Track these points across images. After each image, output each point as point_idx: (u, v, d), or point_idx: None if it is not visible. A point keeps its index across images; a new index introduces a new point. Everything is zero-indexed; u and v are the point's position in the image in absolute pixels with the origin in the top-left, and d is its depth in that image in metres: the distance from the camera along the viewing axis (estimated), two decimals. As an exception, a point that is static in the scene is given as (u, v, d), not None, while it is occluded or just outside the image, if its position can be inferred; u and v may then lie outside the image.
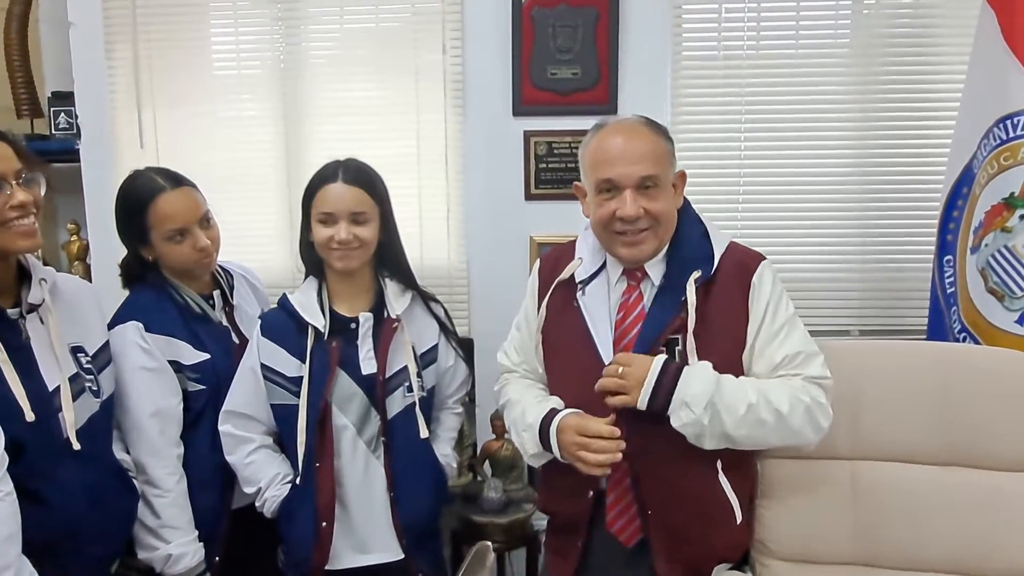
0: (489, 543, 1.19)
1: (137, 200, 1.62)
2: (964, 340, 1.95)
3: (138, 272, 1.70)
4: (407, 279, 1.71)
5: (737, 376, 1.41)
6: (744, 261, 1.47)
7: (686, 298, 1.40)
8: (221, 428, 1.64)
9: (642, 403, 1.34)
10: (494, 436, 2.24)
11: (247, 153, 2.41)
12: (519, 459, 2.18)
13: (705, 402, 1.32)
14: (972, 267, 1.93)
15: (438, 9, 2.32)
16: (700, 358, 1.39)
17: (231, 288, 1.79)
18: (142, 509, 1.60)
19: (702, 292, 1.42)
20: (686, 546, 1.47)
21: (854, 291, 2.37)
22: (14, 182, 1.34)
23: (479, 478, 2.27)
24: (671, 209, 1.46)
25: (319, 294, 1.65)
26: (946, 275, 2.04)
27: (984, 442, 1.62)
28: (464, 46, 2.33)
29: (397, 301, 1.67)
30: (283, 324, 1.64)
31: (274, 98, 2.41)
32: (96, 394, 1.49)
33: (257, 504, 1.65)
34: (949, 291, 2.02)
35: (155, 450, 1.60)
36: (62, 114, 2.43)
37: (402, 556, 1.66)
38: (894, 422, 1.65)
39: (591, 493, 1.50)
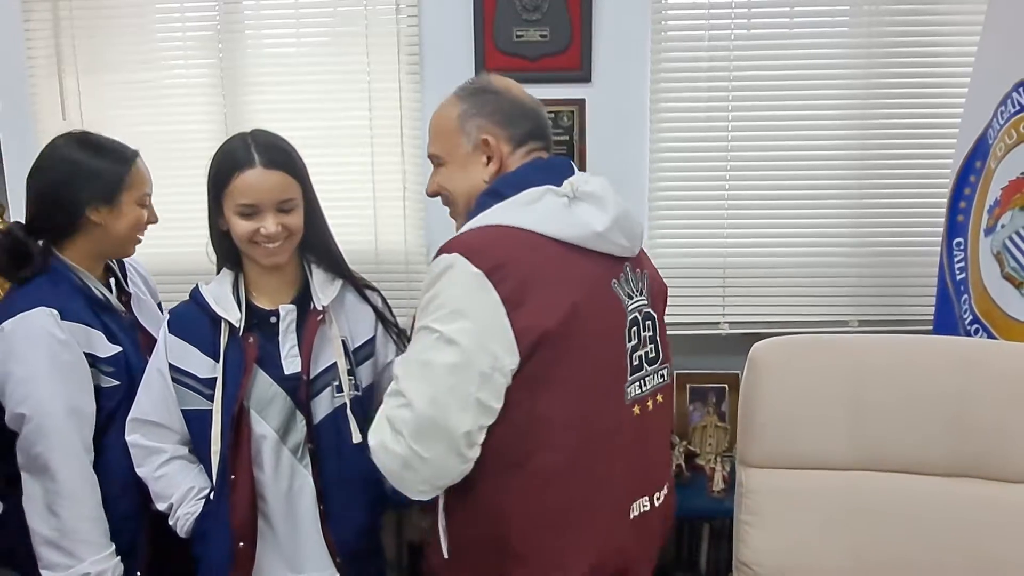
0: None
1: (120, 157, 1.54)
2: (976, 333, 1.84)
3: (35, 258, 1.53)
4: (336, 266, 1.55)
5: None
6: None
7: None
8: (128, 438, 1.50)
9: None
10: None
11: (181, 125, 2.26)
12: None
13: None
14: (986, 251, 1.81)
15: (389, -37, 2.18)
16: None
17: (124, 275, 1.66)
18: (46, 525, 1.45)
19: None
20: None
21: (852, 278, 2.26)
22: None
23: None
24: (457, 174, 1.33)
25: (234, 285, 1.50)
26: (956, 260, 1.92)
27: (1001, 451, 1.49)
28: (420, 4, 2.19)
29: (324, 291, 1.51)
30: (194, 319, 1.48)
31: (210, 64, 2.26)
32: None
33: (170, 522, 1.49)
34: (959, 278, 1.90)
35: (68, 453, 1.46)
36: (-28, 82, 2.27)
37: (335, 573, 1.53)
38: (899, 428, 1.53)
39: None
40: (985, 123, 1.83)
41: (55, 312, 1.45)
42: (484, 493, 1.16)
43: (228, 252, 1.51)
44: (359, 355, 1.56)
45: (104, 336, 1.52)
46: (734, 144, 2.24)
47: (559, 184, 1.20)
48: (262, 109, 2.26)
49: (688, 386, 2.34)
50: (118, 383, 1.52)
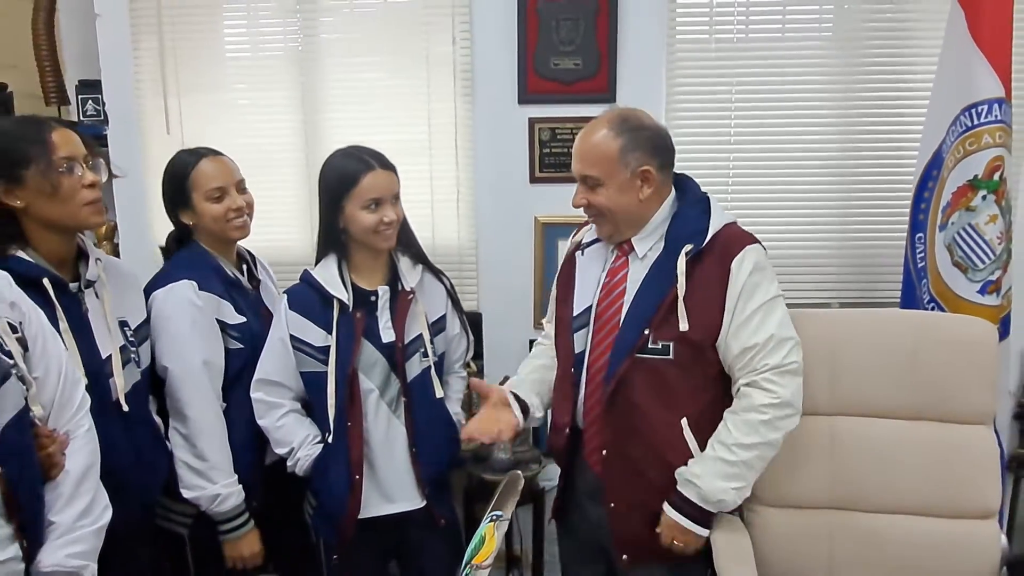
0: (519, 472, 1.36)
1: (182, 167, 1.78)
2: (932, 309, 2.12)
3: (178, 245, 1.85)
4: (418, 254, 1.85)
5: (713, 346, 1.58)
6: (729, 244, 1.57)
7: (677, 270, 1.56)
8: (253, 395, 1.78)
9: (700, 540, 1.61)
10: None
11: (267, 139, 2.53)
12: (515, 482, 2.36)
13: (726, 497, 1.57)
14: (940, 243, 2.09)
15: (448, 1, 2.44)
16: (689, 322, 1.55)
17: (255, 265, 1.93)
18: (188, 453, 1.72)
19: (693, 265, 1.56)
20: (638, 481, 1.63)
21: (834, 266, 2.53)
22: (84, 165, 1.50)
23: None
24: (619, 199, 1.58)
25: (339, 270, 1.77)
26: (917, 251, 2.20)
27: (948, 399, 1.77)
28: (473, 37, 2.45)
29: (410, 274, 1.81)
30: (308, 298, 1.76)
31: (292, 86, 2.52)
32: (138, 364, 1.65)
33: (289, 464, 1.78)
34: (920, 265, 2.18)
35: (203, 397, 1.73)
36: (89, 101, 2.55)
37: (423, 504, 1.82)
38: (868, 382, 1.80)
39: (567, 429, 1.72)
40: (940, 139, 2.10)
41: (194, 283, 1.72)
42: None
43: (336, 243, 1.77)
44: (435, 328, 1.85)
45: (232, 308, 1.78)
46: (735, 150, 2.50)
47: None
48: (336, 125, 2.53)
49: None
50: (242, 347, 1.79)
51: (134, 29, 2.48)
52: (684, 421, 1.59)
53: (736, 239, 1.58)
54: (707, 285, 1.55)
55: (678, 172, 1.68)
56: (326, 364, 1.75)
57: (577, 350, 1.69)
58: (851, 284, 2.53)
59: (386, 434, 1.80)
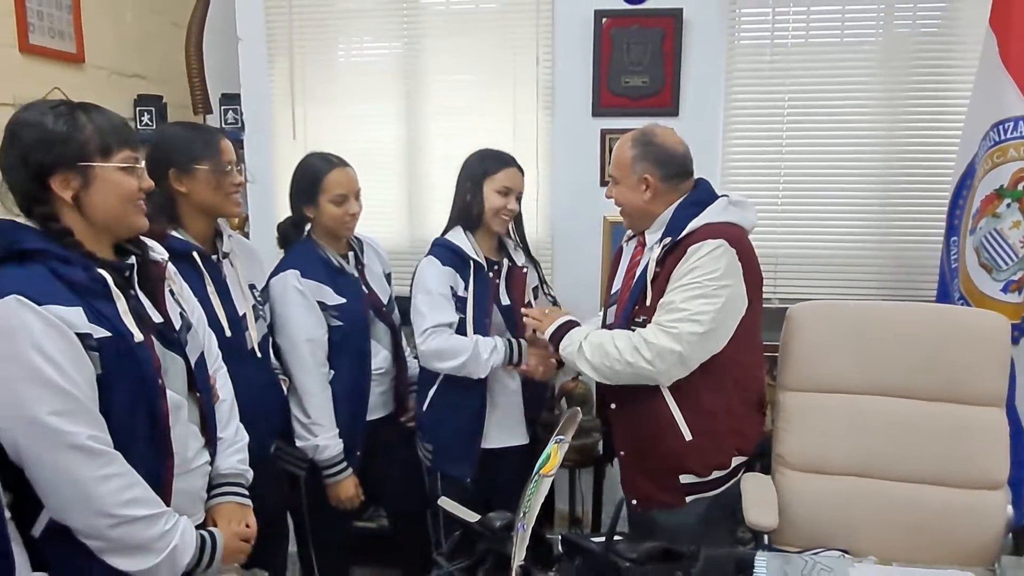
0: (579, 408, 1.65)
1: (315, 170, 2.10)
2: (961, 305, 2.27)
3: (293, 235, 2.19)
4: (523, 240, 2.25)
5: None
6: (698, 236, 1.79)
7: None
8: (436, 341, 2.05)
9: (546, 335, 1.98)
10: (570, 378, 2.71)
11: (375, 144, 2.84)
12: (590, 395, 2.65)
13: (576, 341, 1.88)
14: (970, 246, 2.25)
15: (532, 27, 2.73)
16: (652, 300, 1.83)
17: (362, 251, 2.25)
18: (298, 410, 2.05)
19: (670, 253, 1.82)
20: (645, 455, 1.91)
21: (876, 265, 2.67)
22: (236, 168, 1.89)
23: (556, 412, 2.75)
24: (628, 198, 1.92)
25: (470, 240, 2.12)
26: (952, 253, 2.36)
27: (963, 383, 1.96)
28: (554, 58, 2.72)
29: (516, 253, 2.19)
30: (452, 258, 2.10)
31: (398, 99, 2.85)
32: (265, 320, 2.01)
33: (486, 356, 2.05)
34: (953, 266, 2.34)
35: (307, 367, 2.05)
36: (230, 111, 2.97)
37: (528, 441, 2.18)
38: (891, 366, 2.01)
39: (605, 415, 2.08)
40: (973, 153, 2.26)
41: (297, 272, 2.05)
42: None
43: (469, 218, 2.12)
44: (533, 294, 2.24)
45: (333, 291, 2.09)
46: (787, 159, 2.67)
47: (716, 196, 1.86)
48: (434, 134, 2.84)
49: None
50: (341, 324, 2.10)
51: (269, 50, 2.87)
52: (665, 389, 1.84)
53: (705, 233, 1.78)
54: (670, 267, 1.81)
55: (700, 177, 1.94)
56: (464, 312, 2.08)
57: (607, 322, 2.01)
58: (891, 282, 2.67)
59: (505, 379, 2.15)
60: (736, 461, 1.93)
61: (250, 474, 1.65)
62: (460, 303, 2.09)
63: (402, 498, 2.36)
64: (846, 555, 1.83)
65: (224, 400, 1.65)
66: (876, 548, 1.88)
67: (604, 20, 2.67)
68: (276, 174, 2.84)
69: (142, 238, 1.48)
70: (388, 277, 2.34)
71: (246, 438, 1.68)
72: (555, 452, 1.36)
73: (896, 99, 2.60)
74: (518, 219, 2.22)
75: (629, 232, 2.07)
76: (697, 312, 1.74)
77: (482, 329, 2.08)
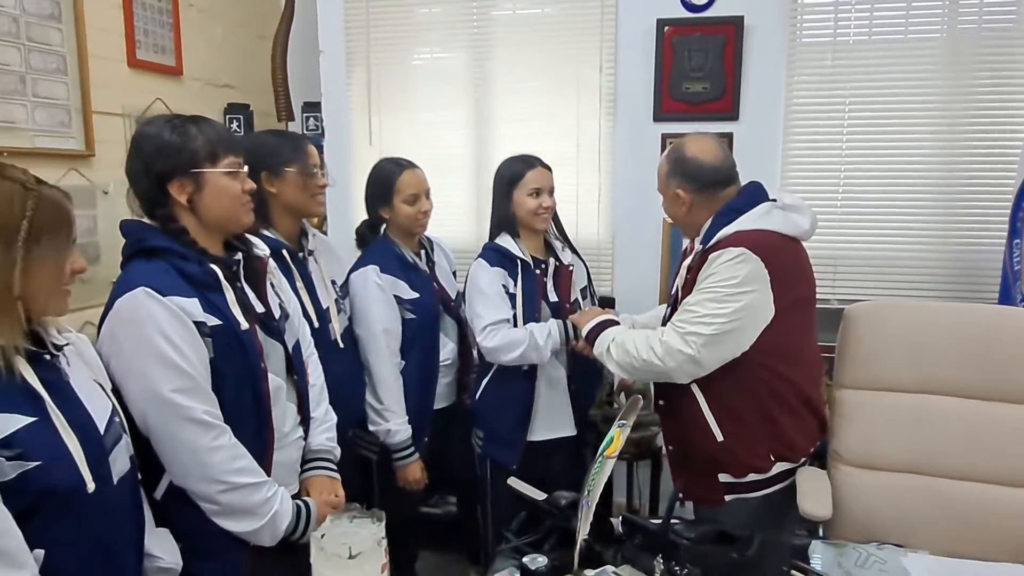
0: (640, 396, 1.73)
1: (388, 173, 2.22)
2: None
3: (370, 236, 2.32)
4: (565, 239, 2.30)
5: None
6: (723, 244, 1.77)
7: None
8: (495, 340, 2.13)
9: (583, 332, 2.02)
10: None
11: (446, 149, 2.98)
12: (648, 390, 2.72)
13: (605, 340, 1.93)
14: None
15: (596, 36, 2.83)
16: (682, 300, 1.85)
17: (432, 250, 2.37)
18: (371, 397, 2.17)
19: (702, 258, 1.82)
20: (686, 452, 1.94)
21: (938, 266, 2.68)
22: (319, 171, 2.04)
23: (616, 405, 2.83)
24: (670, 210, 1.97)
25: (516, 242, 2.21)
26: (1015, 255, 2.35)
27: (1020, 383, 1.94)
28: (617, 66, 2.81)
29: (562, 253, 2.25)
30: (500, 259, 2.19)
31: (467, 107, 2.98)
32: (345, 312, 2.14)
33: (542, 342, 2.12)
34: (1016, 268, 2.33)
35: (383, 357, 2.17)
36: (311, 119, 3.17)
37: (575, 433, 2.25)
38: (948, 365, 2.00)
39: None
40: None
41: (376, 268, 2.17)
42: None
43: (508, 223, 2.20)
44: (582, 295, 2.29)
45: (408, 286, 2.21)
46: (847, 160, 2.70)
47: (765, 200, 1.82)
48: (501, 139, 2.97)
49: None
50: (415, 317, 2.21)
51: (348, 62, 3.05)
52: (695, 386, 1.86)
53: (729, 241, 1.77)
54: (696, 275, 1.83)
55: (751, 181, 1.92)
56: (514, 308, 2.17)
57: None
58: (952, 284, 2.67)
59: (552, 373, 2.22)
60: (779, 468, 1.90)
61: (338, 451, 1.78)
62: (510, 300, 2.19)
63: (465, 486, 2.47)
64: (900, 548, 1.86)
65: (315, 383, 1.79)
66: (930, 543, 1.89)
67: (666, 28, 2.75)
68: (353, 178, 3.00)
69: (247, 235, 1.64)
70: (454, 275, 2.46)
71: (335, 418, 1.81)
72: (618, 435, 1.46)
73: (960, 97, 2.60)
74: (556, 219, 2.27)
75: None
76: (706, 315, 1.75)
77: (531, 322, 2.16)
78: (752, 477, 1.87)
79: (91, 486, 1.18)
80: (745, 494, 1.88)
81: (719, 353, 1.78)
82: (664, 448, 2.09)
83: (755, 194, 1.87)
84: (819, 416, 1.95)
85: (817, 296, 2.59)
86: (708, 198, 1.87)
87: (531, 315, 2.14)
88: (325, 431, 1.77)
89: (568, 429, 2.26)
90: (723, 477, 1.87)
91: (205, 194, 1.50)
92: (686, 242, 2.13)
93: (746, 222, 1.80)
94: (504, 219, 2.22)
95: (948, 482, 2.00)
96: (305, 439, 1.71)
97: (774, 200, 1.85)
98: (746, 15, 2.70)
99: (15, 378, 1.13)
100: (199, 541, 1.46)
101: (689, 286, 1.85)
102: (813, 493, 1.92)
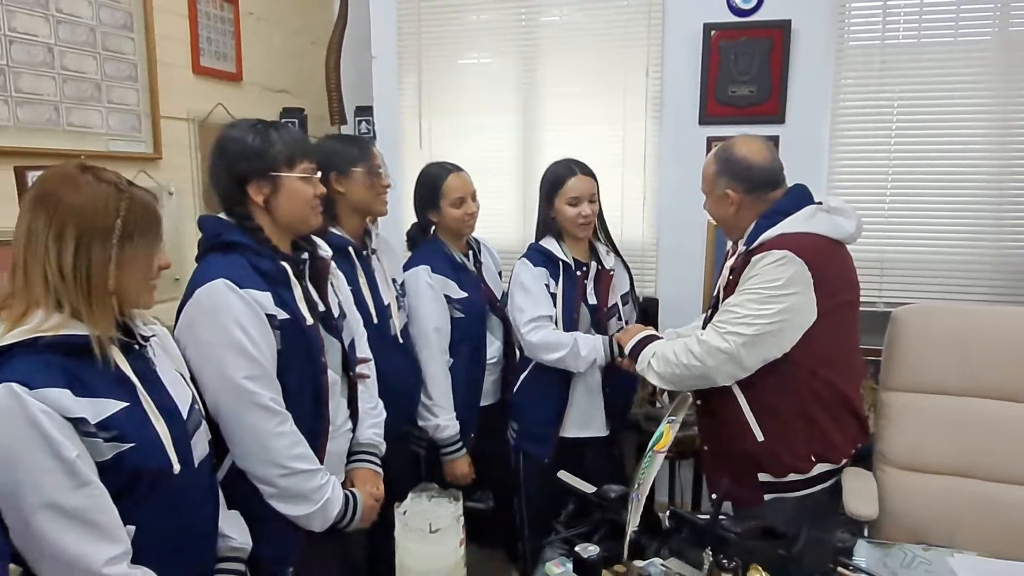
0: (690, 394, 1.77)
1: (434, 177, 2.27)
2: None
3: (420, 236, 2.38)
4: (610, 241, 2.32)
5: None
6: (767, 246, 1.77)
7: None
8: (540, 333, 2.17)
9: (627, 349, 2.03)
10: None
11: (493, 152, 3.04)
12: (684, 399, 2.75)
13: (647, 355, 1.93)
14: None
15: (643, 40, 2.86)
16: (723, 301, 1.85)
17: (479, 251, 2.43)
18: (424, 396, 2.22)
19: (745, 260, 1.82)
20: (724, 452, 1.93)
21: (987, 269, 2.66)
22: (383, 171, 2.11)
23: (658, 405, 2.87)
24: (716, 211, 1.96)
25: (559, 245, 2.25)
26: None
27: None
28: (663, 70, 2.84)
29: (606, 258, 2.28)
30: (542, 259, 2.24)
31: (514, 111, 3.04)
32: (404, 310, 2.21)
33: (584, 354, 2.15)
34: None
35: (433, 354, 2.23)
36: (363, 122, 3.25)
37: (607, 433, 2.28)
38: (994, 368, 2.01)
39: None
40: None
41: (428, 268, 2.23)
42: None
43: (551, 228, 2.24)
44: (623, 300, 2.32)
45: (457, 286, 2.27)
46: (895, 162, 2.69)
47: (810, 202, 1.81)
48: (547, 143, 3.01)
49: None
50: (464, 316, 2.27)
51: (400, 67, 3.12)
52: (736, 387, 1.85)
53: (773, 244, 1.77)
54: (738, 277, 1.83)
55: (797, 184, 1.91)
56: (554, 307, 2.21)
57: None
58: (1001, 287, 2.65)
59: (587, 374, 2.23)
60: (820, 469, 1.88)
61: (383, 446, 1.85)
62: (552, 298, 2.23)
63: (504, 482, 2.48)
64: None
65: (368, 380, 1.87)
66: (975, 546, 1.88)
67: (713, 33, 2.77)
68: (404, 180, 3.05)
69: (313, 237, 1.72)
70: (500, 275, 2.51)
71: (384, 415, 1.89)
72: (667, 431, 1.51)
73: (1010, 99, 2.57)
74: (602, 223, 2.28)
75: None
76: (747, 315, 1.75)
77: (570, 324, 2.18)
78: (792, 477, 1.86)
79: (177, 467, 1.27)
80: (784, 493, 1.88)
81: (759, 354, 1.78)
82: (701, 449, 2.09)
83: (800, 196, 1.87)
84: (860, 418, 1.93)
85: (863, 299, 2.60)
86: (756, 200, 1.87)
87: (569, 316, 2.18)
88: (373, 426, 1.84)
89: (600, 429, 2.29)
90: (763, 476, 1.87)
91: (280, 196, 1.58)
92: (729, 244, 2.14)
93: (791, 224, 1.80)
94: (547, 222, 2.26)
95: (994, 485, 2.01)
96: (353, 432, 1.78)
97: (819, 203, 1.84)
98: (793, 19, 2.70)
99: (110, 366, 1.21)
100: (256, 523, 1.54)
101: (731, 287, 1.85)
102: (859, 493, 1.94)
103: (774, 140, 2.74)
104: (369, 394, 1.87)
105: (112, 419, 1.19)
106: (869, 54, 2.70)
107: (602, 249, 2.30)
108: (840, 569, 1.53)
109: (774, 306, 1.74)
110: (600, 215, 2.27)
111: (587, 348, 2.14)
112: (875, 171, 2.73)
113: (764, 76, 2.74)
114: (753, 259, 1.78)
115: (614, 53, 2.91)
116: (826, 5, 2.69)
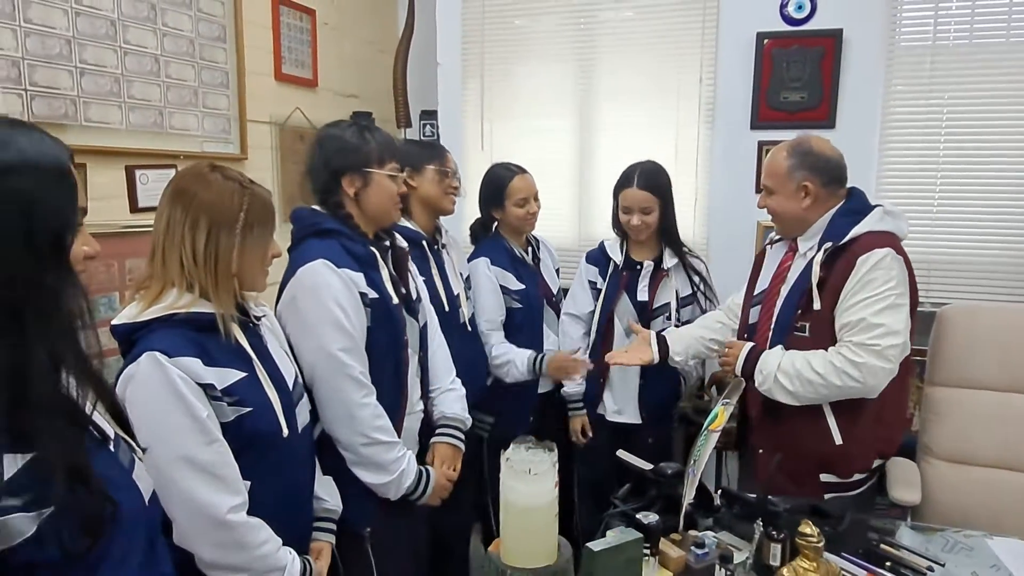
0: (743, 379, 1.82)
1: (500, 178, 2.42)
2: None
3: (482, 232, 2.53)
4: (675, 245, 2.42)
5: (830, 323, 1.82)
6: (863, 245, 1.78)
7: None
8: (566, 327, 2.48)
9: (737, 371, 1.93)
10: (720, 368, 2.90)
11: (551, 154, 3.15)
12: (739, 385, 2.84)
13: (770, 373, 1.85)
14: None
15: (697, 48, 2.95)
16: (821, 305, 1.82)
17: (538, 248, 2.57)
18: (494, 353, 2.39)
19: (833, 260, 1.81)
20: (787, 455, 1.80)
21: None
22: (454, 175, 2.26)
23: (706, 398, 2.96)
24: (786, 205, 1.91)
25: (621, 245, 2.42)
26: None
27: None
28: (716, 76, 2.92)
29: (668, 259, 2.39)
30: (597, 258, 2.44)
31: (572, 116, 3.14)
32: (471, 300, 2.36)
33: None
34: None
35: (491, 340, 2.39)
36: (427, 126, 3.40)
37: (640, 422, 2.40)
38: None
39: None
40: None
41: (488, 260, 2.39)
42: None
43: (619, 229, 2.43)
44: (683, 301, 2.41)
45: (515, 277, 2.41)
46: (944, 165, 2.70)
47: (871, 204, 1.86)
48: (603, 146, 3.11)
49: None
50: (521, 306, 2.41)
51: (464, 73, 3.26)
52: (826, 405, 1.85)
53: (870, 242, 1.79)
54: (839, 275, 1.81)
55: (852, 186, 1.95)
56: (596, 301, 2.40)
57: (751, 321, 2.06)
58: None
59: (625, 367, 2.35)
60: (877, 463, 1.94)
61: (469, 421, 1.98)
62: (596, 294, 2.45)
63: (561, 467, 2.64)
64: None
65: (443, 359, 2.00)
66: (1017, 534, 1.96)
67: (765, 41, 2.84)
68: (465, 180, 3.17)
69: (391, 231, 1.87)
70: (557, 272, 2.64)
71: (463, 390, 2.01)
72: (722, 412, 1.61)
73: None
74: (670, 229, 2.39)
75: (773, 235, 2.11)
76: (893, 324, 1.74)
77: (605, 317, 2.40)
78: (856, 477, 1.89)
79: (285, 432, 1.42)
80: (843, 492, 1.90)
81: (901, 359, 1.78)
82: (753, 450, 2.04)
83: (865, 197, 1.92)
84: (907, 413, 2.01)
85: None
86: (828, 194, 1.89)
87: (606, 309, 2.35)
88: (458, 400, 1.97)
89: (634, 417, 2.43)
90: (825, 477, 1.89)
91: (370, 190, 1.74)
92: (768, 241, 2.17)
93: (871, 224, 1.82)
94: (615, 226, 2.45)
95: (1039, 479, 2.07)
96: (424, 411, 1.91)
97: (880, 205, 1.89)
98: (845, 27, 2.75)
99: (231, 340, 1.38)
100: (340, 488, 1.68)
101: (831, 288, 1.81)
102: (903, 481, 2.02)
103: (824, 144, 2.82)
104: (448, 370, 2.00)
105: (234, 386, 1.35)
106: (920, 57, 2.72)
107: (668, 252, 2.41)
108: (883, 546, 1.61)
109: (904, 308, 1.76)
110: (665, 220, 2.37)
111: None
112: (924, 174, 2.76)
113: (815, 82, 2.80)
114: (859, 261, 1.77)
115: (668, 60, 3.00)
116: (878, 11, 2.73)
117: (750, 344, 1.96)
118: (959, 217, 2.73)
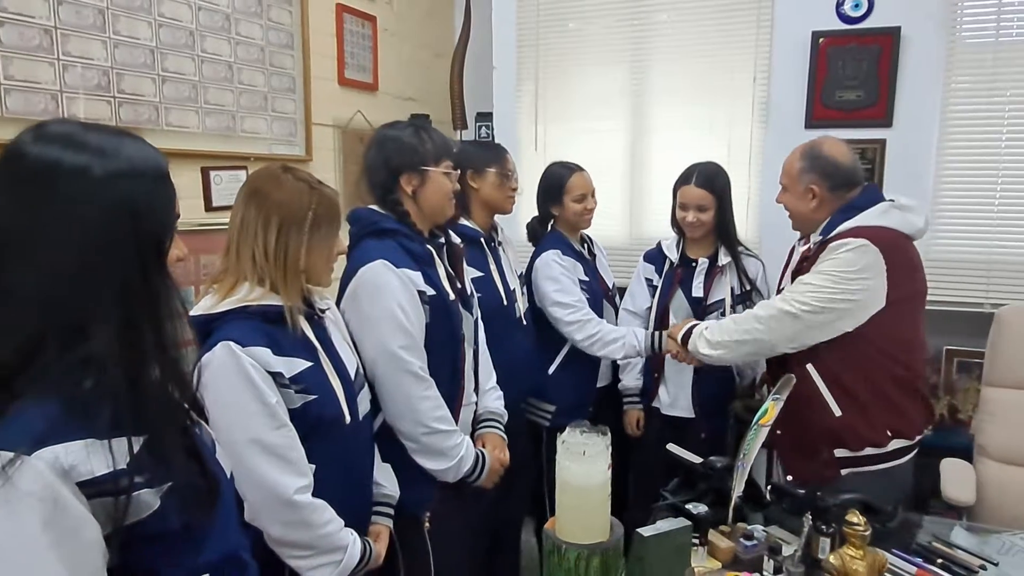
0: (793, 375, 1.85)
1: (559, 176, 2.48)
2: None
3: (540, 229, 2.57)
4: (730, 244, 2.44)
5: None
6: (845, 236, 1.85)
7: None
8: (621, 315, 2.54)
9: (678, 339, 2.18)
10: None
11: (604, 155, 3.17)
12: (788, 383, 2.81)
13: (698, 334, 2.06)
14: None
15: (751, 48, 2.93)
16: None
17: (593, 244, 2.61)
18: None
19: (820, 248, 1.91)
20: (800, 432, 1.95)
21: None
22: (513, 177, 2.30)
23: (757, 396, 2.93)
24: (795, 205, 2.01)
25: (677, 244, 2.46)
26: None
27: None
28: (771, 75, 2.90)
29: (723, 257, 2.41)
30: (655, 257, 2.51)
31: (624, 117, 3.17)
32: (526, 297, 2.39)
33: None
34: None
35: (568, 327, 2.40)
36: (483, 127, 3.47)
37: (694, 416, 2.42)
38: None
39: None
40: None
41: (559, 251, 2.43)
42: None
43: (676, 226, 2.47)
44: (740, 298, 2.42)
45: (583, 270, 2.47)
46: (1005, 164, 2.64)
47: (882, 199, 1.91)
48: (656, 147, 3.12)
49: (955, 360, 2.77)
50: (589, 296, 2.44)
51: (519, 77, 3.31)
52: (810, 366, 1.93)
53: (852, 234, 1.85)
54: (812, 263, 1.91)
55: (868, 183, 2.00)
56: (653, 296, 2.47)
57: None
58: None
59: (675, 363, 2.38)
60: (896, 444, 1.91)
61: (506, 416, 2.04)
62: (652, 291, 2.50)
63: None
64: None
65: (484, 362, 2.05)
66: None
67: (821, 40, 2.81)
68: (520, 180, 3.24)
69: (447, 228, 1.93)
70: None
71: (499, 392, 2.06)
72: (772, 407, 1.62)
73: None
74: (726, 228, 2.42)
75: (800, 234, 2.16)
76: (818, 286, 1.84)
77: (657, 316, 2.44)
78: (869, 451, 1.91)
79: (348, 419, 1.49)
80: (861, 468, 1.91)
81: (822, 327, 1.86)
82: (772, 434, 2.03)
83: (873, 194, 1.96)
84: (926, 401, 1.98)
85: (970, 300, 2.58)
86: (836, 197, 1.95)
87: (662, 304, 2.40)
88: (497, 398, 2.04)
89: (687, 411, 2.45)
90: (839, 452, 1.92)
91: (426, 188, 1.80)
92: (800, 243, 2.18)
93: (866, 218, 1.88)
94: (673, 222, 2.50)
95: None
96: (476, 404, 1.97)
97: (891, 200, 1.92)
98: (903, 25, 2.70)
99: (298, 332, 1.45)
100: (399, 474, 1.75)
101: (803, 272, 1.94)
102: (957, 480, 1.99)
103: (880, 144, 2.78)
104: (489, 372, 2.06)
105: (301, 375, 1.42)
106: (981, 54, 2.66)
107: (723, 251, 2.44)
108: (935, 544, 1.60)
109: (844, 287, 1.82)
110: (721, 219, 2.41)
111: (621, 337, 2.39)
112: (985, 173, 2.69)
113: (872, 81, 2.76)
114: (831, 246, 1.85)
115: (722, 61, 2.99)
116: (938, 8, 2.68)
117: (695, 322, 2.18)
118: (1021, 217, 2.66)
